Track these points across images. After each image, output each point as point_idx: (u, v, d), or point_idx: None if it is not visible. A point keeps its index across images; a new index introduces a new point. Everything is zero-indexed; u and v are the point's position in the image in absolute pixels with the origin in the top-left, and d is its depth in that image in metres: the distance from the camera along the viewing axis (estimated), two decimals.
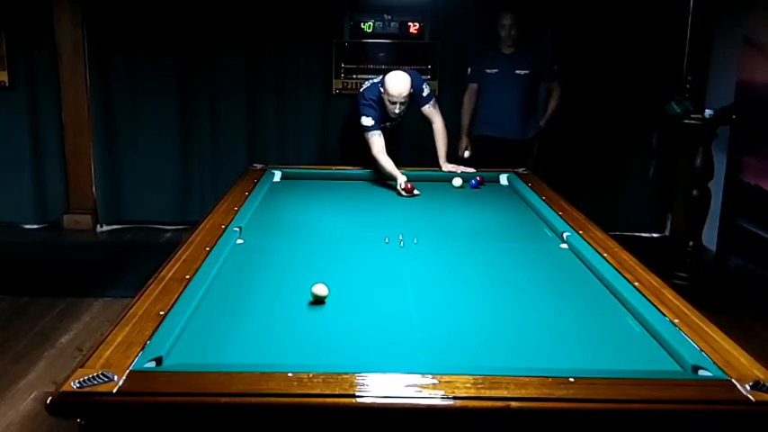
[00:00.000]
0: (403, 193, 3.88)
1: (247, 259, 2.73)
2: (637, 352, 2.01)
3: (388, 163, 4.08)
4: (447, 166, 4.34)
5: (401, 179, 3.93)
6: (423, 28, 5.67)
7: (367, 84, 4.38)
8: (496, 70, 4.82)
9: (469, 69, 4.98)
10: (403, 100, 4.13)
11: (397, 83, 4.11)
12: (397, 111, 4.16)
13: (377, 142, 4.13)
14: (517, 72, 4.80)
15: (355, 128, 4.28)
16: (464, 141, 4.98)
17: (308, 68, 5.74)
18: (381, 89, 4.17)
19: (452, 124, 4.71)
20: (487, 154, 4.69)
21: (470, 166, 4.37)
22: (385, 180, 4.12)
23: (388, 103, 4.15)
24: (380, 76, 4.27)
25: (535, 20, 5.45)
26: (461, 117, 4.99)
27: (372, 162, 4.18)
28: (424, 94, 4.33)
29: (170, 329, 1.97)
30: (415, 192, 3.88)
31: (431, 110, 4.37)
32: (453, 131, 4.70)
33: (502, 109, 4.83)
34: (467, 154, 4.60)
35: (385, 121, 4.25)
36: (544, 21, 5.59)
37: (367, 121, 4.15)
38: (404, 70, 4.28)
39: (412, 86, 4.16)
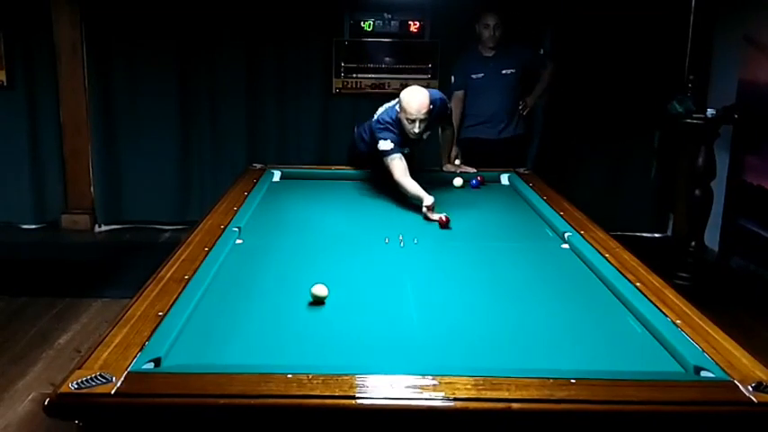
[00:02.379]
0: (429, 215, 3.35)
1: (246, 259, 2.72)
2: (638, 353, 2.00)
3: (412, 186, 3.57)
4: (447, 167, 4.32)
5: (427, 200, 3.41)
6: (423, 27, 5.67)
7: (380, 110, 3.96)
8: (482, 74, 4.76)
9: (453, 78, 4.88)
10: (423, 117, 3.62)
11: (415, 98, 3.62)
12: (416, 130, 3.65)
13: (398, 165, 3.64)
14: (503, 72, 4.75)
15: (369, 158, 3.96)
16: (454, 150, 4.74)
17: (308, 68, 5.73)
18: (398, 108, 3.72)
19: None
20: (478, 156, 4.60)
21: (470, 166, 4.34)
22: (390, 186, 3.83)
23: (406, 122, 3.65)
24: (394, 101, 3.86)
25: (534, 20, 5.46)
26: None
27: (395, 187, 3.68)
28: (449, 112, 4.15)
29: (168, 330, 1.96)
30: (447, 223, 3.26)
31: (448, 120, 4.24)
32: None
33: (491, 111, 4.78)
34: (457, 162, 4.56)
35: (404, 146, 3.77)
36: (544, 21, 5.59)
37: (385, 144, 3.68)
38: (426, 88, 3.81)
39: (432, 103, 3.67)
